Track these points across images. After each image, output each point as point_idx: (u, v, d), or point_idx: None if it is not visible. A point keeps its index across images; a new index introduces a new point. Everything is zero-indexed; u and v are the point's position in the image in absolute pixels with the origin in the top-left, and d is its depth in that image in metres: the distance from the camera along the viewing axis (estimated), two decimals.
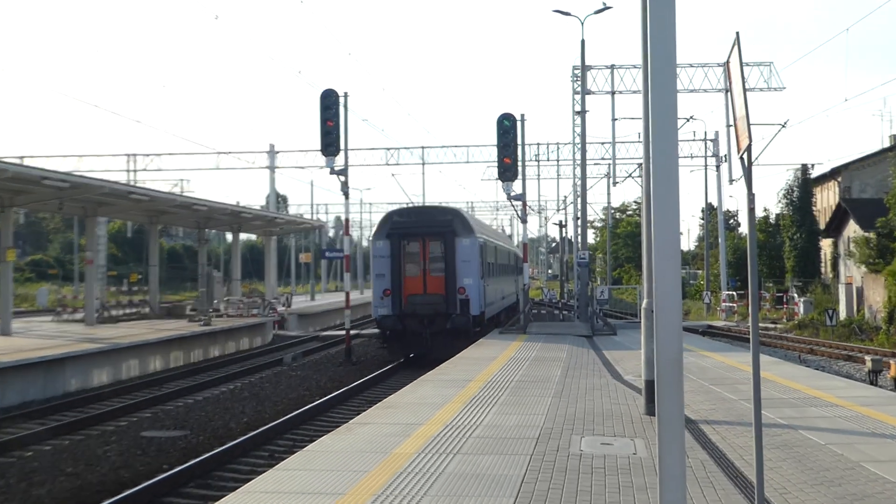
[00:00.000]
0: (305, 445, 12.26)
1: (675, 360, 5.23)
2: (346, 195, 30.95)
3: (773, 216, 68.07)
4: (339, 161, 30.16)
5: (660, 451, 5.23)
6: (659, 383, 5.26)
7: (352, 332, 32.88)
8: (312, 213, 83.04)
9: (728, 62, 6.83)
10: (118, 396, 22.39)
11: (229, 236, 58.81)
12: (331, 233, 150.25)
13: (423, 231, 29.54)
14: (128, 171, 63.90)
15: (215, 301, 41.56)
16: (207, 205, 36.50)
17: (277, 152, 62.87)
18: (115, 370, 25.50)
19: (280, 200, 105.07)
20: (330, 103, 28.96)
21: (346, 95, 30.50)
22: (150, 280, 40.74)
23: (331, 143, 28.93)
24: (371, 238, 31.58)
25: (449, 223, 29.77)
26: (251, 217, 42.69)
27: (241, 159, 63.40)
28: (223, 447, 14.87)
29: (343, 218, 32.77)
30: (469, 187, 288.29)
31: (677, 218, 5.15)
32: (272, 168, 62.19)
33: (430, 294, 29.19)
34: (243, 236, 79.23)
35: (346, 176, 30.25)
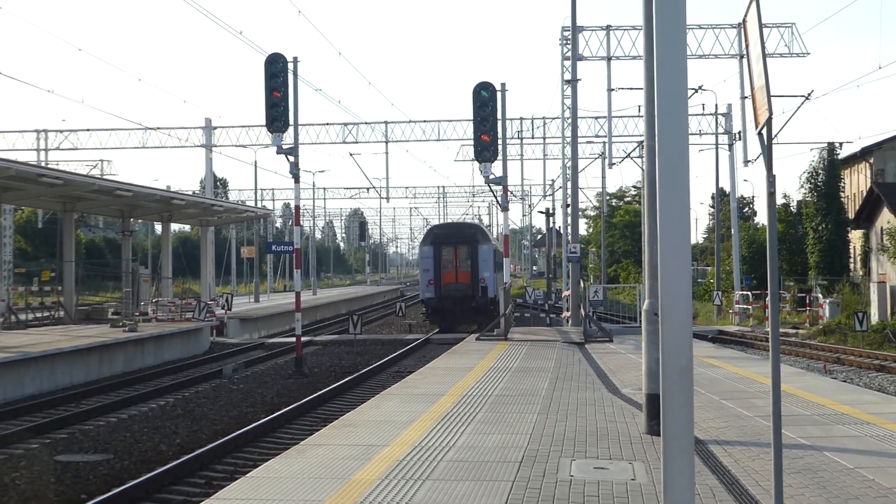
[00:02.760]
0: (249, 471, 12.24)
1: (685, 370, 5.25)
2: (297, 178, 30.86)
3: (794, 203, 68.49)
4: (288, 138, 30.06)
5: (665, 477, 5.25)
6: (665, 397, 5.28)
7: (304, 338, 32.84)
8: (256, 200, 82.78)
9: (745, 21, 6.85)
10: (28, 414, 22.24)
11: (159, 227, 58.56)
12: (278, 223, 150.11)
13: (455, 240, 47.71)
14: (38, 149, 63.47)
15: (142, 303, 41.38)
16: (132, 189, 36.31)
17: (215, 128, 62.60)
18: (24, 384, 25.33)
19: (219, 185, 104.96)
20: (277, 70, 28.85)
21: (295, 61, 30.38)
22: (65, 278, 40.51)
23: (278, 116, 28.83)
24: (419, 245, 52.69)
25: (473, 234, 48.88)
26: (184, 204, 42.52)
27: (172, 136, 63.05)
28: (152, 473, 14.80)
29: (293, 205, 32.70)
30: (441, 169, 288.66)
31: (687, 203, 5.17)
32: (209, 146, 61.90)
33: (460, 283, 46.60)
34: (175, 227, 79.01)
35: (295, 156, 30.17)
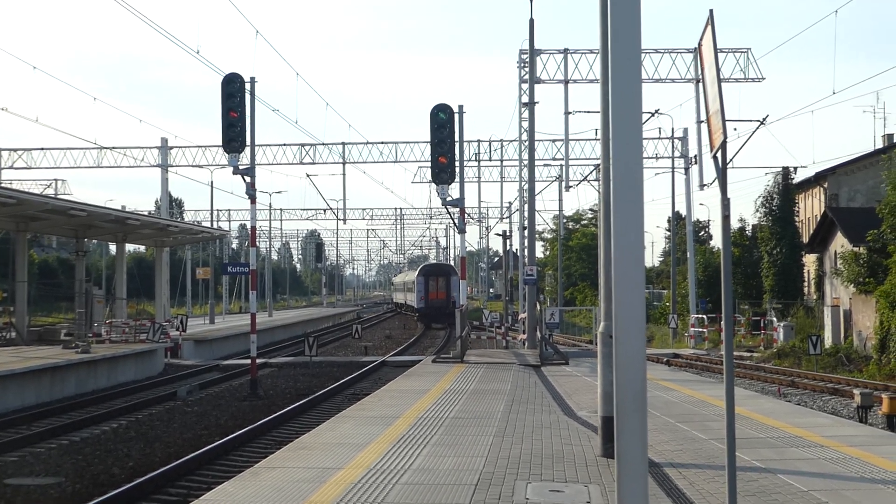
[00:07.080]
0: (202, 494, 12.14)
1: (638, 393, 5.26)
2: (253, 199, 30.77)
3: (749, 227, 69.01)
4: (245, 159, 29.98)
5: (619, 499, 5.25)
6: (619, 420, 5.29)
7: (259, 360, 32.67)
8: (213, 221, 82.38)
9: (700, 45, 6.89)
10: None
11: (113, 247, 58.14)
12: (234, 244, 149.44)
13: (437, 274, 79.70)
14: None
15: (95, 324, 40.99)
16: (87, 209, 36.03)
17: (171, 148, 62.36)
18: None
19: (174, 205, 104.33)
20: (234, 90, 28.78)
21: (253, 81, 30.33)
22: (18, 299, 40.10)
23: (234, 137, 28.75)
24: (415, 276, 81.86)
25: (448, 270, 79.69)
26: (139, 224, 42.24)
27: (127, 156, 62.77)
28: (104, 496, 14.65)
29: (249, 226, 32.59)
30: (398, 191, 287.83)
31: (641, 225, 5.19)
32: (164, 166, 61.64)
33: (439, 299, 76.72)
34: (130, 247, 78.40)
35: (252, 176, 30.08)
